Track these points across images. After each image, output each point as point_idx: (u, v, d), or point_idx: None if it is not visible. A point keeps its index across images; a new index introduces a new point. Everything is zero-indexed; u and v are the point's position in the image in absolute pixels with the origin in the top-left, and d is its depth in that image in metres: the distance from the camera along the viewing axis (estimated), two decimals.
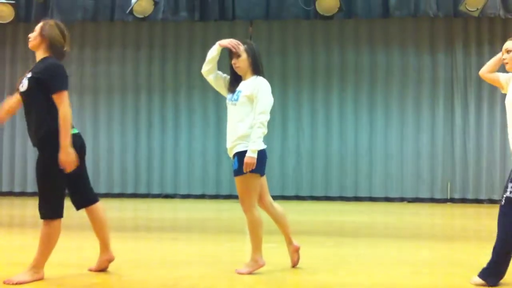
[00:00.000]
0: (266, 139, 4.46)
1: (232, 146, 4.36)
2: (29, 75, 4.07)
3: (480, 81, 10.82)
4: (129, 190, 11.29)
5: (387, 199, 10.82)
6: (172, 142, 11.27)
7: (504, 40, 12.17)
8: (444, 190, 10.80)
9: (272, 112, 4.42)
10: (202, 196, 11.11)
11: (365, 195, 10.87)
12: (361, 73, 11.01)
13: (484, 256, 4.17)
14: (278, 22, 10.81)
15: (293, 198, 10.91)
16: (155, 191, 11.25)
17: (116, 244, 4.64)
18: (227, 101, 4.47)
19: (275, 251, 5.11)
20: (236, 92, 4.39)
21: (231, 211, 9.47)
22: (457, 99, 10.83)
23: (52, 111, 3.98)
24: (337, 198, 10.88)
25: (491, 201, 10.54)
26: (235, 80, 4.46)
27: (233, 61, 4.42)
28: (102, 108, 11.43)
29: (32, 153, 11.37)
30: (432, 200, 10.73)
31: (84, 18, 10.30)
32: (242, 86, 4.40)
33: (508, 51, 4.13)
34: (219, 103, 10.65)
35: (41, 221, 4.05)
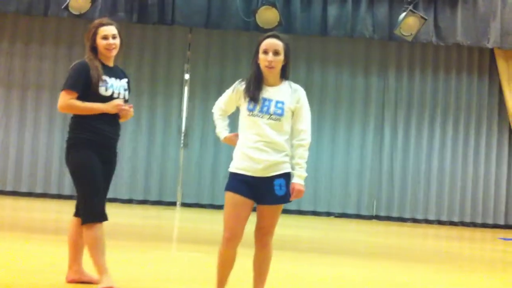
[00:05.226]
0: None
1: (271, 165, 3.48)
2: (125, 81, 4.28)
3: (409, 105, 11.20)
4: (54, 191, 10.90)
5: (315, 213, 10.96)
6: None
7: (435, 67, 12.53)
8: (370, 207, 11.07)
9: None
10: (129, 201, 10.89)
11: (293, 209, 10.96)
12: None
13: (402, 275, 4.26)
14: (217, 31, 10.78)
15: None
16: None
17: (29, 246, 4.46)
18: (257, 113, 3.49)
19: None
20: (274, 103, 3.49)
21: (158, 218, 9.32)
22: (387, 121, 11.16)
23: None
24: None
25: (414, 220, 10.92)
26: (258, 83, 3.54)
27: (269, 58, 3.49)
28: (29, 104, 11.02)
29: (27, 151, 10.87)
30: (358, 216, 10.96)
31: (17, 11, 9.94)
32: (276, 94, 3.52)
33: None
34: (154, 108, 10.53)
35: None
